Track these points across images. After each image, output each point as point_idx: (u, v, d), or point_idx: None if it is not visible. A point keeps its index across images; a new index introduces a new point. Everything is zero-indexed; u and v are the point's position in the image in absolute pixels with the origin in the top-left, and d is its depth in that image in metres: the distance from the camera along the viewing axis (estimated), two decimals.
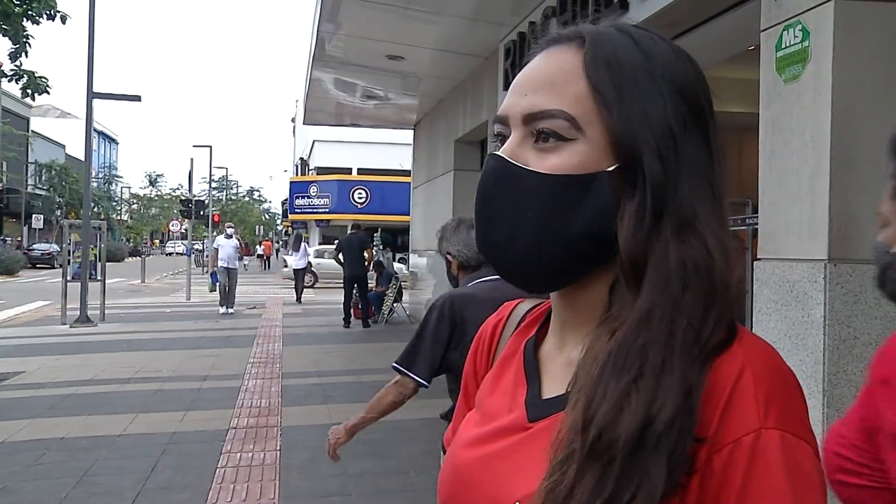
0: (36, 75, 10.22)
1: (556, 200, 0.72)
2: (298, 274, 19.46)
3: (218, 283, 16.00)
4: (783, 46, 3.38)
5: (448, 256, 3.01)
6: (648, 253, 0.70)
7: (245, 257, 15.24)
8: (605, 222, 0.72)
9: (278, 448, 5.70)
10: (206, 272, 16.50)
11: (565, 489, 0.64)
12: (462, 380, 1.03)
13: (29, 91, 10.32)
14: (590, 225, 0.72)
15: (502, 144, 0.78)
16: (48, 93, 10.50)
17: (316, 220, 34.43)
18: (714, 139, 0.75)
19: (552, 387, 0.80)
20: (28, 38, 9.83)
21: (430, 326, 2.69)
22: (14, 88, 10.58)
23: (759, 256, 3.51)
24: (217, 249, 16.13)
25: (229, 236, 16.20)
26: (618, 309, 0.71)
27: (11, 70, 10.07)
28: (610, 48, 0.74)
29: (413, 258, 14.63)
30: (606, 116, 0.72)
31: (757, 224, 3.69)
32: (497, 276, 1.70)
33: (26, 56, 9.92)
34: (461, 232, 2.95)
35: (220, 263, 15.72)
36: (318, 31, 9.12)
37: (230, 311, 15.47)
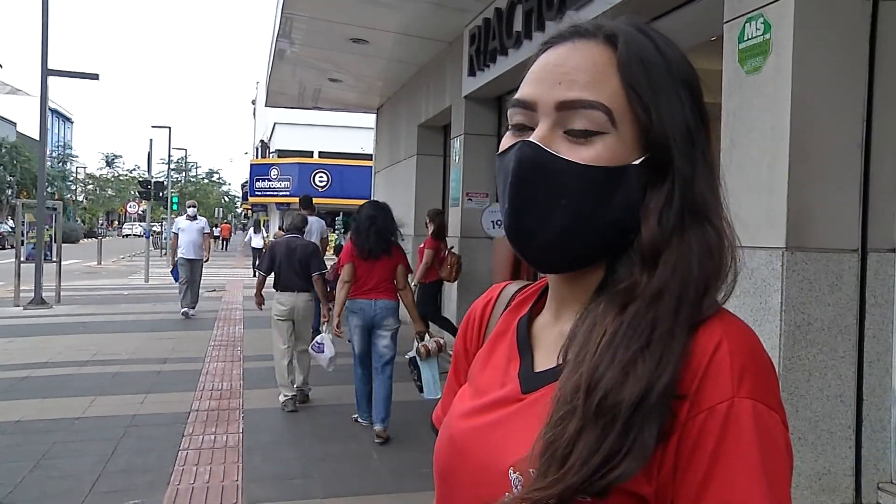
0: None
1: (591, 191, 0.77)
2: (256, 252, 22.70)
3: (179, 280, 12.31)
4: (745, 38, 3.45)
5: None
6: (670, 240, 0.76)
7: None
8: (631, 212, 0.78)
9: (241, 430, 5.69)
10: (167, 261, 13.38)
11: (566, 442, 0.69)
12: (452, 357, 1.08)
13: None
14: (619, 214, 0.78)
15: (519, 131, 0.81)
16: None
17: (276, 202, 34.09)
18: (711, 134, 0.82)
19: (544, 360, 0.85)
20: None
21: (264, 255, 7.04)
22: None
23: None
24: (176, 235, 12.45)
25: (192, 217, 12.54)
26: (627, 285, 0.76)
27: None
28: (640, 49, 0.79)
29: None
30: (642, 115, 0.77)
31: None
32: (293, 235, 5.92)
33: None
34: (290, 216, 7.22)
35: (179, 252, 12.17)
36: (281, 12, 9.02)
37: (191, 311, 12.18)
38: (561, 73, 0.79)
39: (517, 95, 0.82)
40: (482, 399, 0.88)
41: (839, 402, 3.24)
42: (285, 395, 6.40)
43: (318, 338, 6.15)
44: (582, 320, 0.78)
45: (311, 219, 9.71)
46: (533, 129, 0.79)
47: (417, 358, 5.10)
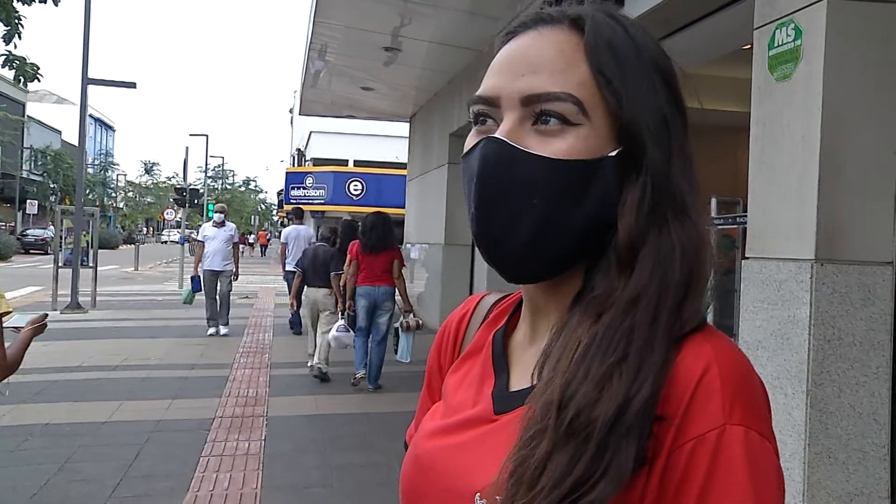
0: (27, 62, 10.08)
1: (564, 186, 0.71)
2: None
3: (200, 293, 10.99)
4: (776, 45, 3.36)
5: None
6: (646, 237, 0.69)
7: (241, 246, 11.45)
8: (608, 208, 0.71)
9: (263, 438, 5.68)
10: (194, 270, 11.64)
11: (536, 464, 0.63)
12: (426, 373, 1.01)
13: (21, 78, 10.20)
14: (595, 211, 0.71)
15: (482, 125, 0.76)
16: (39, 80, 10.36)
17: (311, 210, 34.35)
18: (688, 129, 0.76)
19: (520, 379, 0.79)
20: (20, 21, 9.68)
21: (301, 258, 8.78)
22: (8, 73, 10.39)
23: (746, 255, 3.49)
24: (203, 242, 11.13)
25: (220, 223, 11.08)
26: (603, 292, 0.70)
27: (2, 55, 9.94)
28: (609, 33, 0.73)
29: (407, 251, 14.60)
30: (612, 103, 0.71)
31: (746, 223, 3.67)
32: (321, 243, 8.84)
33: (20, 38, 9.77)
34: (322, 227, 9.78)
35: (204, 263, 10.92)
36: (314, 21, 9.07)
37: (223, 330, 10.93)
38: (524, 63, 0.73)
39: (479, 91, 0.76)
40: (452, 418, 0.82)
41: (872, 420, 3.12)
42: (309, 365, 8.26)
43: (340, 323, 7.80)
44: (557, 334, 0.72)
45: (301, 227, 11.70)
46: (498, 126, 0.74)
47: (400, 329, 7.22)
